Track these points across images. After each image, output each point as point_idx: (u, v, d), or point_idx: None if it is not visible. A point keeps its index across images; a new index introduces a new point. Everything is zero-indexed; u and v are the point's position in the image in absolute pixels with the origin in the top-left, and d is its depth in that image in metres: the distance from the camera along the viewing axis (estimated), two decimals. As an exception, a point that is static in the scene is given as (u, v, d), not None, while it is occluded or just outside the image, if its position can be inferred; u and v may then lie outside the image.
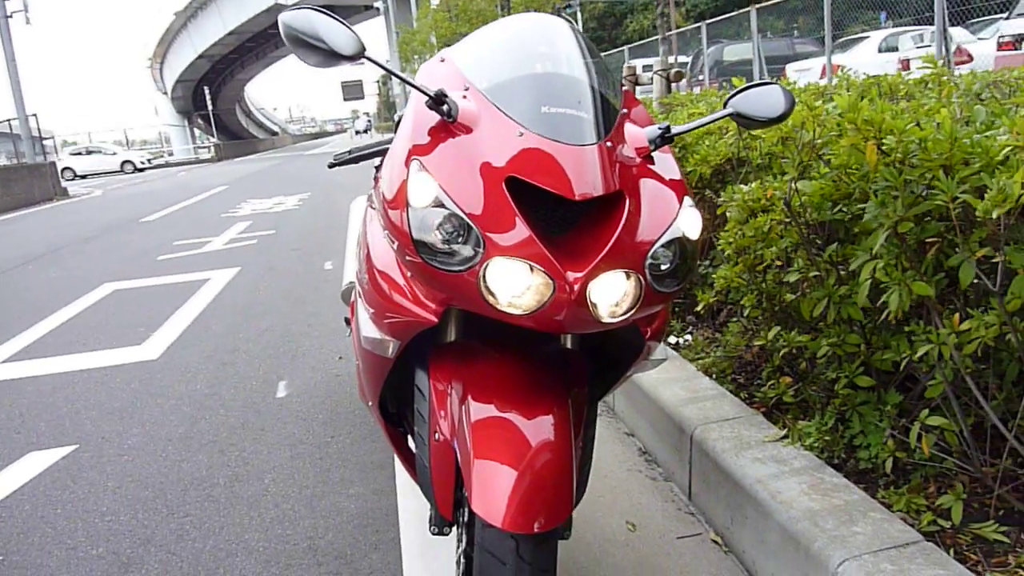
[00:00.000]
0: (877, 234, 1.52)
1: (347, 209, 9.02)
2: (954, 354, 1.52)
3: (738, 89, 1.52)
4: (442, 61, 1.57)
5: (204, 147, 50.59)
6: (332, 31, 1.34)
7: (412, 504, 2.26)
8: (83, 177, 31.14)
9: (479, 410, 1.33)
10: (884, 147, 1.55)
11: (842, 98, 1.60)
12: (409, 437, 1.83)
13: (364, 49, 1.36)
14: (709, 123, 1.51)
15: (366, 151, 2.03)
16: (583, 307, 1.21)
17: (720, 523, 1.99)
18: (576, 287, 1.20)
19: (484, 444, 1.29)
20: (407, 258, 1.30)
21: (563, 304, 1.21)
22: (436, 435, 1.43)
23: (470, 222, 1.23)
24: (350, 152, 2.12)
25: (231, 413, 3.13)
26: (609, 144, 1.32)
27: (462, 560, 1.47)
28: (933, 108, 1.78)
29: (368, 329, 1.50)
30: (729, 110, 1.49)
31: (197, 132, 62.45)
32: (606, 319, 1.24)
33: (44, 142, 23.17)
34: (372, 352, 1.53)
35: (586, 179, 1.26)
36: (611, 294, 1.24)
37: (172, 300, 5.24)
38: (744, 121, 1.49)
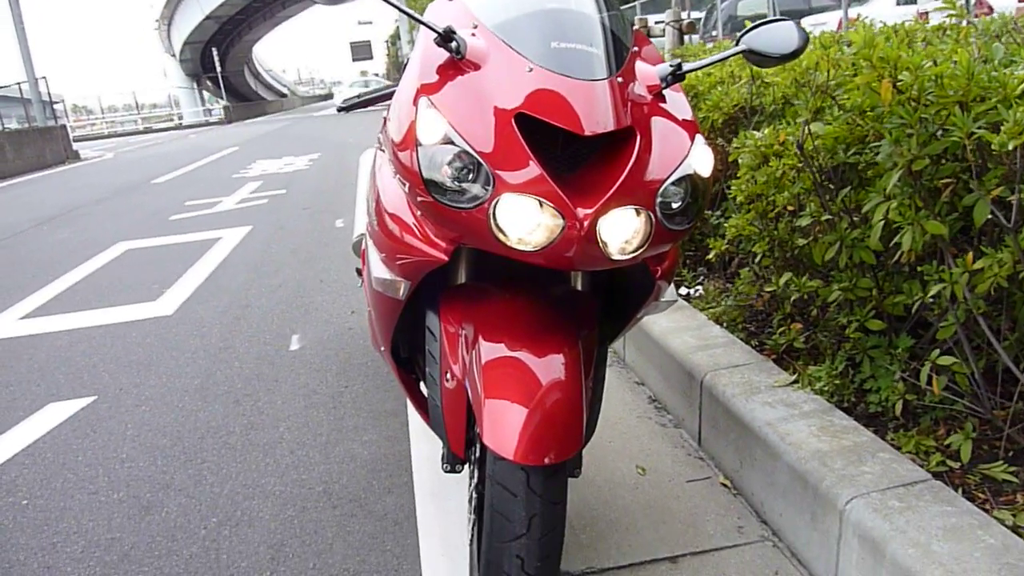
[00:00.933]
0: (890, 174, 1.51)
1: (356, 168, 8.99)
2: (967, 294, 1.51)
3: (751, 26, 1.49)
4: (450, 0, 1.55)
5: (213, 109, 50.39)
6: None
7: (424, 449, 2.30)
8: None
9: (490, 350, 1.34)
10: (899, 85, 1.52)
11: (857, 35, 1.57)
12: (421, 382, 1.85)
13: None
14: (721, 60, 1.49)
15: (376, 94, 2.02)
16: (593, 243, 1.21)
17: (729, 466, 2.01)
18: (586, 223, 1.20)
19: (495, 382, 1.30)
20: (418, 198, 1.30)
21: (573, 240, 1.21)
22: (448, 375, 1.44)
23: (480, 159, 1.23)
24: (359, 96, 2.11)
25: (245, 365, 3.16)
26: (620, 80, 1.30)
27: (474, 496, 1.50)
28: (951, 49, 1.74)
29: (379, 271, 1.51)
30: (742, 47, 1.47)
31: (206, 95, 62.12)
32: (616, 256, 1.24)
33: (55, 105, 23.14)
34: (383, 294, 1.54)
35: (596, 115, 1.25)
36: (621, 231, 1.24)
37: (185, 258, 5.27)
38: (756, 58, 1.46)
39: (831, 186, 1.92)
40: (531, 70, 1.28)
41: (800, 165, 1.96)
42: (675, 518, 1.87)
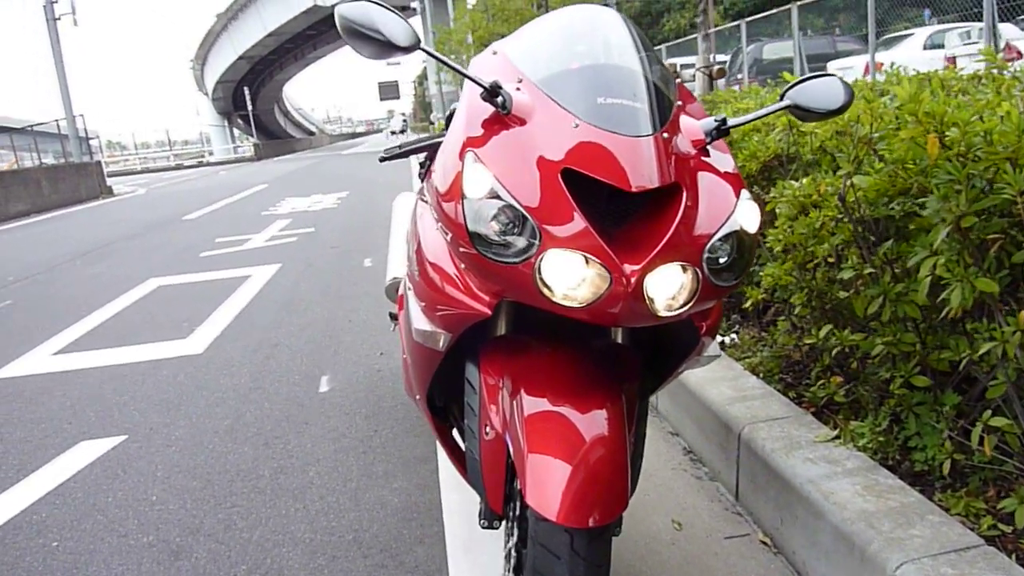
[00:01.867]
0: (938, 229, 1.48)
1: (385, 207, 9.08)
2: (1018, 352, 1.47)
3: (795, 81, 1.49)
4: (494, 54, 1.56)
5: (241, 147, 51.43)
6: (388, 22, 1.34)
7: (456, 499, 2.27)
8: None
9: (532, 404, 1.33)
10: (946, 140, 1.51)
11: (902, 89, 1.56)
12: (455, 431, 1.84)
13: (419, 41, 1.36)
14: (766, 115, 1.49)
15: (417, 145, 2.04)
16: (640, 300, 1.20)
17: (768, 523, 1.96)
18: (633, 280, 1.19)
19: (538, 438, 1.28)
20: (461, 250, 1.30)
21: (619, 297, 1.20)
22: (487, 429, 1.43)
23: (525, 213, 1.23)
24: (400, 147, 2.13)
25: (275, 406, 3.17)
26: (665, 135, 1.30)
27: (513, 554, 1.47)
28: (992, 101, 1.73)
29: (419, 322, 1.51)
30: (786, 102, 1.47)
31: (236, 132, 63.52)
32: (662, 313, 1.23)
33: (90, 141, 23.75)
34: (422, 345, 1.53)
35: (642, 171, 1.24)
36: (668, 287, 1.23)
37: (215, 296, 5.33)
38: (801, 113, 1.46)
39: (872, 238, 1.90)
40: (577, 125, 1.29)
41: (840, 216, 1.94)
42: (714, 577, 1.83)
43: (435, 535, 2.10)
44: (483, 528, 1.51)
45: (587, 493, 1.21)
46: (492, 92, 1.35)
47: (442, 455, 2.54)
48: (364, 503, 2.31)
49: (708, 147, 1.39)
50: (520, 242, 1.23)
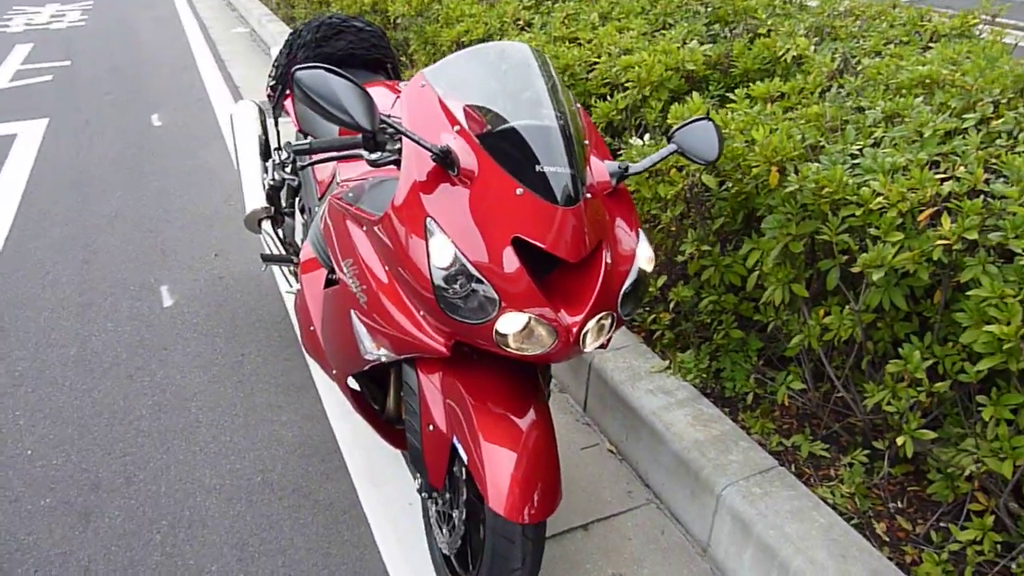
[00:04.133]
0: (772, 244, 1.92)
1: (147, 28, 8.04)
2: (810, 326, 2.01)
3: (680, 124, 1.77)
4: (423, 86, 1.66)
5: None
6: (352, 100, 1.40)
7: (347, 429, 2.53)
8: None
9: (480, 410, 1.59)
10: (785, 175, 1.91)
11: (759, 133, 1.91)
12: (372, 403, 2.08)
13: (381, 120, 1.44)
14: (661, 160, 1.76)
15: (329, 149, 1.99)
16: (576, 345, 1.51)
17: (614, 436, 2.48)
18: (574, 332, 1.48)
19: (491, 444, 1.57)
20: (425, 304, 1.50)
21: (563, 347, 1.49)
22: (430, 426, 1.70)
23: (487, 283, 1.45)
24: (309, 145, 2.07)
25: (121, 328, 3.10)
26: (588, 196, 1.55)
27: (449, 518, 1.81)
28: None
29: (368, 344, 1.70)
30: (673, 147, 1.75)
31: None
32: (588, 349, 1.55)
33: None
34: (359, 351, 1.74)
35: (579, 239, 1.49)
36: (595, 332, 1.54)
37: (-18, 168, 4.69)
38: (689, 157, 1.75)
39: (708, 218, 2.31)
40: (520, 192, 1.48)
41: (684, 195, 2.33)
42: (579, 487, 2.33)
43: (339, 469, 2.38)
44: (424, 498, 1.83)
45: (540, 496, 1.56)
46: (444, 157, 1.49)
47: (320, 383, 2.75)
48: (259, 440, 2.50)
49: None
50: (483, 306, 1.46)
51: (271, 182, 2.86)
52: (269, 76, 2.94)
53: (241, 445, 2.48)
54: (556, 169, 1.51)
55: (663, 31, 3.38)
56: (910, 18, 3.28)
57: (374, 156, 1.69)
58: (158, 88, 6.47)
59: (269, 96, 2.89)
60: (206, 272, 3.54)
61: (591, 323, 1.50)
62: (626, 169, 1.69)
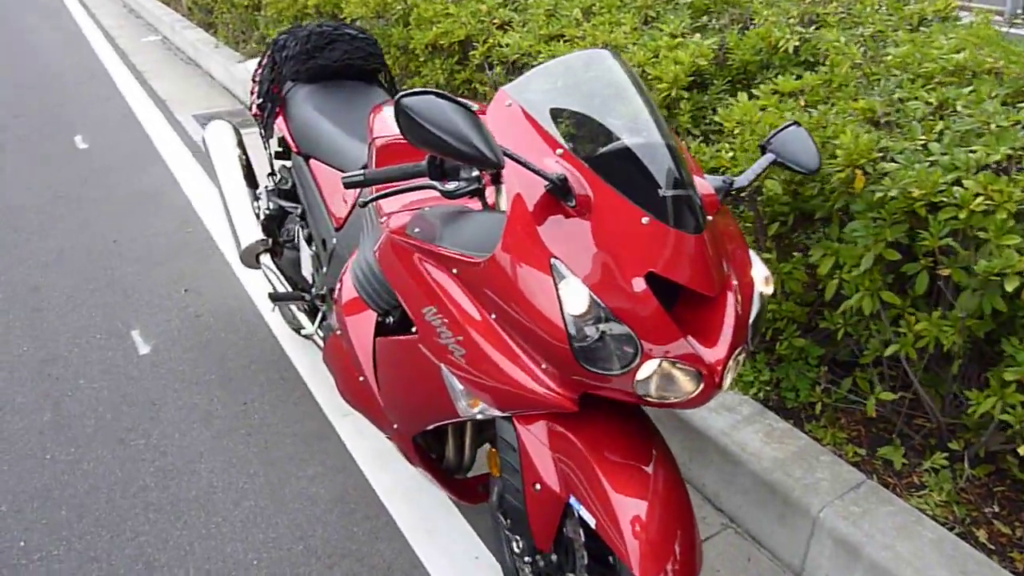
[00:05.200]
0: (857, 252, 1.82)
1: (48, 35, 7.33)
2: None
3: (774, 132, 1.64)
4: (509, 105, 1.47)
5: None
6: (470, 128, 1.21)
7: (385, 479, 2.31)
8: None
9: (605, 465, 1.43)
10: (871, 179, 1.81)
11: (847, 135, 1.81)
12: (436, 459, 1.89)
13: (502, 156, 1.25)
14: (761, 173, 1.62)
15: (388, 179, 1.74)
16: (719, 388, 1.36)
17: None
18: (717, 373, 1.33)
19: (625, 497, 1.40)
20: (556, 357, 1.32)
21: (707, 389, 1.34)
22: (536, 486, 1.51)
23: (629, 329, 1.28)
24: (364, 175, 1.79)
25: (96, 383, 2.76)
26: (710, 218, 1.40)
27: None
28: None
29: (463, 396, 1.50)
30: (771, 157, 1.62)
31: None
32: (724, 389, 1.40)
33: None
34: (427, 385, 1.55)
35: (713, 269, 1.35)
36: (732, 369, 1.39)
37: None
38: (789, 167, 1.62)
39: (765, 222, 2.20)
40: (647, 221, 1.32)
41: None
42: (649, 518, 2.18)
43: (387, 525, 2.16)
44: (519, 560, 1.65)
45: (676, 544, 1.40)
46: (560, 186, 1.32)
47: (343, 429, 2.51)
48: (288, 501, 2.24)
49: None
50: (623, 356, 1.29)
51: (267, 211, 2.59)
52: (252, 93, 2.66)
53: (269, 509, 2.21)
54: (678, 192, 1.36)
55: (654, 24, 3.26)
56: (890, 2, 3.27)
57: (451, 187, 1.50)
58: (74, 106, 5.93)
59: (256, 116, 2.61)
60: (179, 310, 3.21)
61: (730, 361, 1.36)
62: (731, 184, 1.55)
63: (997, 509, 1.96)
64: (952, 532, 1.86)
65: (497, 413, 1.48)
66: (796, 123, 1.67)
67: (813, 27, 3.04)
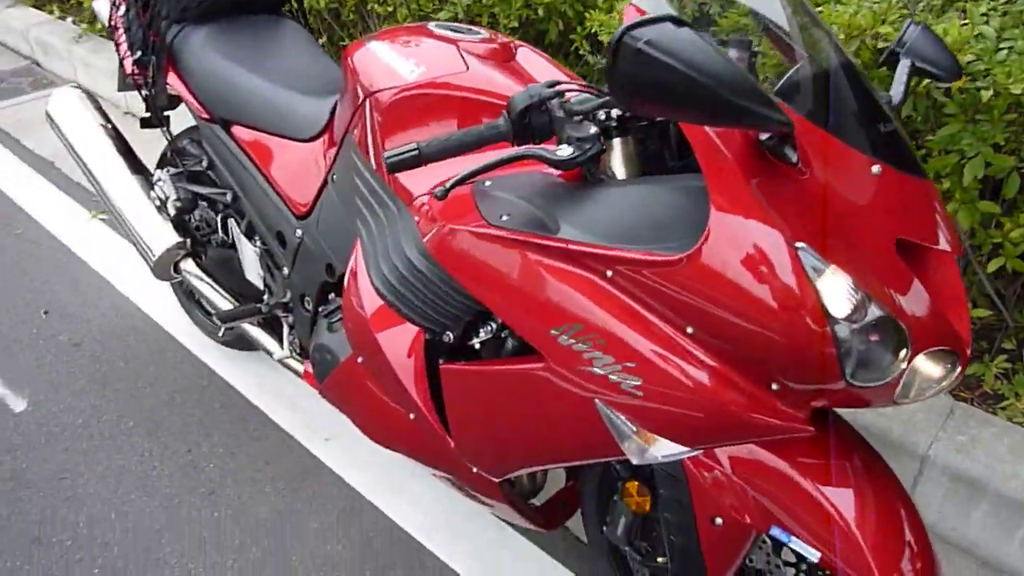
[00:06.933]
0: (971, 163, 1.58)
1: None
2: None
3: (900, 34, 1.32)
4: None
5: None
6: (746, 79, 0.80)
7: (416, 517, 1.88)
8: None
9: (824, 485, 1.13)
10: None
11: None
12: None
13: None
14: (909, 83, 1.30)
15: (472, 148, 1.21)
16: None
17: None
18: (968, 351, 1.06)
19: (852, 515, 1.12)
20: (807, 369, 0.97)
21: (960, 375, 1.06)
22: (716, 520, 1.20)
23: (896, 319, 0.96)
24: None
25: (-33, 467, 2.04)
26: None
27: None
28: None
29: (634, 438, 1.11)
30: (907, 62, 1.30)
31: None
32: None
33: None
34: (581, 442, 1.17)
35: (947, 223, 1.06)
36: None
37: None
38: (930, 74, 1.31)
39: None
40: (878, 171, 0.99)
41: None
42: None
43: (442, 570, 1.75)
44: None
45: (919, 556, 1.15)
46: (783, 140, 0.94)
47: (333, 459, 2.03)
48: (304, 574, 1.76)
49: None
50: (889, 355, 0.97)
51: (175, 203, 1.95)
52: (119, 46, 1.94)
53: (283, 591, 1.73)
54: (888, 127, 1.04)
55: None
56: None
57: (565, 153, 1.08)
58: None
59: (134, 76, 1.91)
60: (47, 342, 2.46)
61: None
62: (890, 102, 1.24)
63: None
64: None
65: (687, 452, 1.12)
66: (920, 22, 1.36)
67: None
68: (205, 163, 1.92)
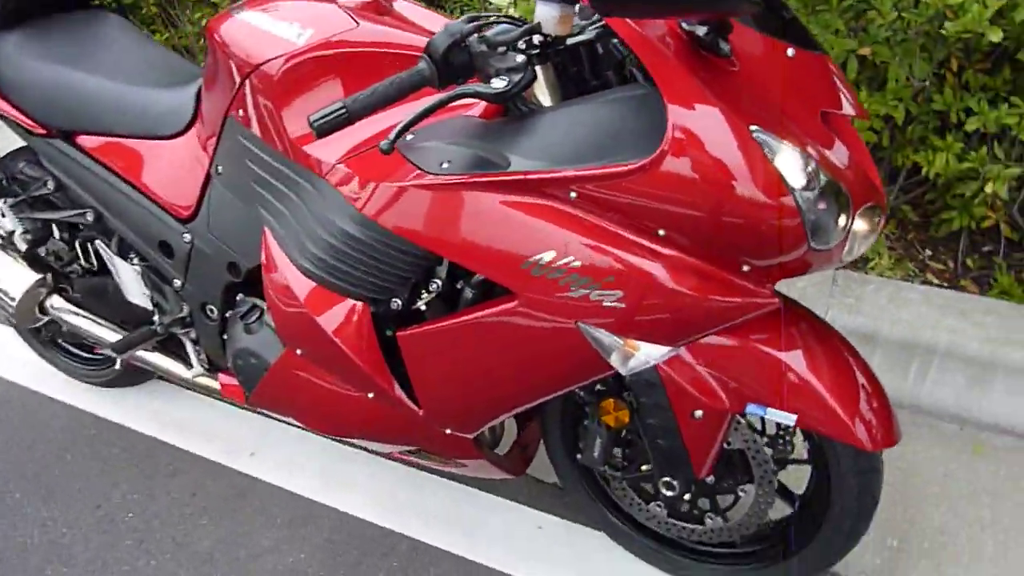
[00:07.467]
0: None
1: None
2: None
3: None
4: None
5: None
6: None
7: (403, 496, 1.81)
8: None
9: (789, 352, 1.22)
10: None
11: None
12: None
13: None
14: None
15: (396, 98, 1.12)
16: None
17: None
18: (883, 202, 1.18)
19: (822, 378, 1.22)
20: (776, 242, 1.04)
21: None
22: (695, 413, 1.27)
23: (840, 183, 1.05)
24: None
25: None
26: None
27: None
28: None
29: (616, 347, 1.14)
30: None
31: None
32: None
33: None
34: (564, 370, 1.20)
35: (846, 86, 1.16)
36: None
37: None
38: None
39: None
40: (792, 53, 1.07)
41: None
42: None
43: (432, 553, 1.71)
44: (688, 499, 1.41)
45: (887, 416, 1.27)
46: (716, 33, 1.00)
47: (260, 470, 1.91)
48: (270, 590, 1.65)
49: None
50: (841, 216, 1.07)
51: (25, 237, 1.72)
52: None
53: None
54: (790, 13, 1.13)
55: None
56: None
57: (500, 85, 1.08)
58: None
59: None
60: None
61: None
62: None
63: (931, 253, 2.16)
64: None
65: (670, 351, 1.16)
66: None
67: None
68: (52, 185, 1.69)
